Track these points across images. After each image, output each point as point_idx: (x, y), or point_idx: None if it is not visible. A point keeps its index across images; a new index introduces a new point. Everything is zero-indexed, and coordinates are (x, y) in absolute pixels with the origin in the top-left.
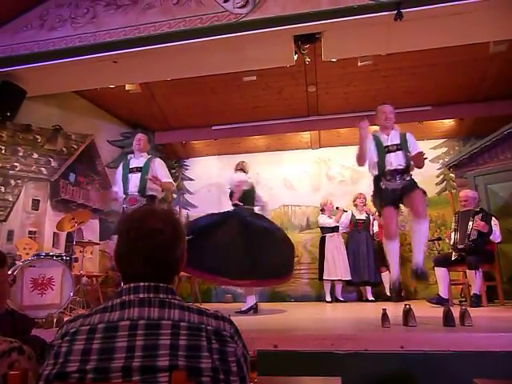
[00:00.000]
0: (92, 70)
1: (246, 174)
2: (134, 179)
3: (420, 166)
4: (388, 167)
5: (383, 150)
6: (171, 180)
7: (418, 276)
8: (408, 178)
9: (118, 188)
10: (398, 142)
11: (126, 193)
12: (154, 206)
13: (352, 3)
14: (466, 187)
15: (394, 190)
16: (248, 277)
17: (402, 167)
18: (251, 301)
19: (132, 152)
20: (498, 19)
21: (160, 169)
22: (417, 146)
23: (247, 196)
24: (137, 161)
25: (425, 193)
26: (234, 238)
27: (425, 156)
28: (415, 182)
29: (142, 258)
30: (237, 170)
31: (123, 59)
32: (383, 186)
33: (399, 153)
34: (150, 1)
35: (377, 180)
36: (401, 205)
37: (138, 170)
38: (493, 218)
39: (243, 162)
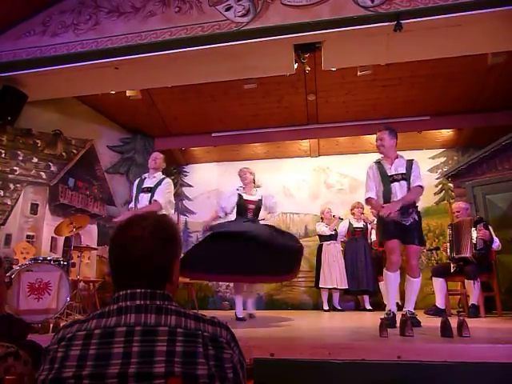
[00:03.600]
0: (93, 76)
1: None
2: (145, 199)
3: (415, 197)
4: (393, 198)
5: (387, 180)
6: (161, 201)
7: (408, 320)
8: (416, 217)
9: (131, 205)
10: (403, 171)
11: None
12: (147, 213)
13: (352, 14)
14: (464, 197)
15: (399, 225)
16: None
17: None
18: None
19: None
20: (497, 31)
21: (161, 188)
22: (418, 178)
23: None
24: (150, 181)
25: (423, 243)
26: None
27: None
28: (420, 225)
29: (125, 266)
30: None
31: (124, 66)
32: (388, 217)
33: (404, 183)
34: (151, 8)
35: None
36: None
37: (149, 190)
38: (489, 226)
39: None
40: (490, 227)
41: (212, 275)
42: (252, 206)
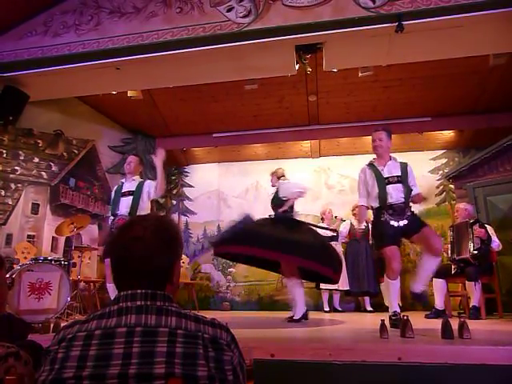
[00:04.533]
0: (94, 77)
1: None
2: (126, 202)
3: (418, 203)
4: (389, 199)
5: (383, 182)
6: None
7: (416, 296)
8: (409, 213)
9: (110, 213)
10: (398, 173)
11: (114, 214)
12: (148, 214)
13: (353, 15)
14: (465, 198)
15: (395, 228)
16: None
17: (402, 200)
18: (301, 309)
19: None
20: (498, 32)
21: (152, 188)
22: (415, 182)
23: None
24: (128, 185)
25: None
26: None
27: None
28: (417, 216)
29: (125, 268)
30: (279, 177)
31: (126, 66)
32: (384, 220)
33: (399, 185)
34: (153, 9)
35: (377, 212)
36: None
37: (130, 193)
38: (489, 226)
39: (281, 168)
40: (488, 227)
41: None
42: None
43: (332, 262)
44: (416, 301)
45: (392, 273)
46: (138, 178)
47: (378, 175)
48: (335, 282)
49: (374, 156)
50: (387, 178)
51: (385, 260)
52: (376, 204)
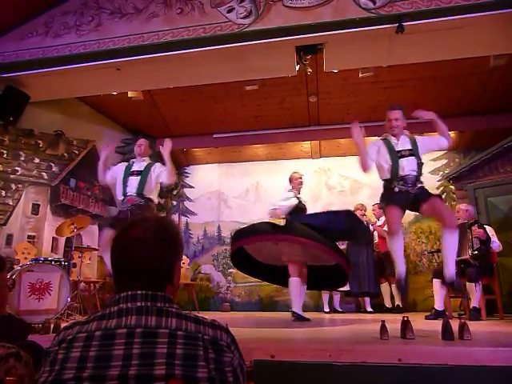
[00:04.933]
0: (95, 77)
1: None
2: (134, 182)
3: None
4: (401, 172)
5: (396, 155)
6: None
7: (455, 288)
8: (419, 185)
9: (117, 191)
10: (409, 147)
11: (124, 194)
12: (148, 215)
13: (354, 16)
14: (465, 199)
15: (406, 193)
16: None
17: (414, 173)
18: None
19: (133, 159)
20: (498, 34)
21: (161, 171)
22: (426, 138)
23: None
24: (138, 164)
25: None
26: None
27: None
28: (427, 190)
29: (125, 269)
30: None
31: (126, 67)
32: (395, 189)
33: (411, 158)
34: (154, 10)
35: (388, 183)
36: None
37: (139, 173)
38: (488, 227)
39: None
40: (488, 228)
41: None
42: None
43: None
44: (456, 291)
45: (391, 229)
46: (147, 160)
47: (390, 148)
48: (346, 278)
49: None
50: (400, 151)
51: (384, 261)
52: (387, 176)
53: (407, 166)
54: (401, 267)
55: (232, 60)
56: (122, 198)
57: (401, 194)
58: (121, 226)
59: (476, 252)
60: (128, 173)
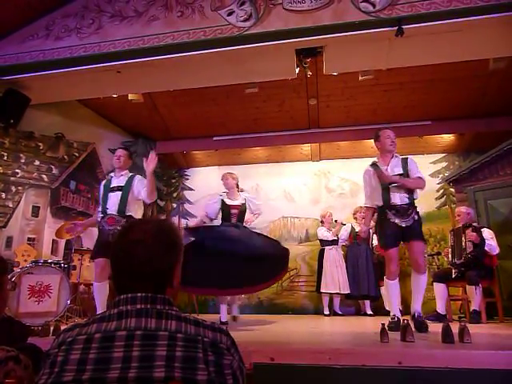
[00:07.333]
0: (95, 80)
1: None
2: (114, 198)
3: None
4: (392, 200)
5: (386, 183)
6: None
7: (417, 323)
8: (416, 217)
9: (100, 208)
10: (400, 171)
11: (104, 212)
12: (146, 217)
13: (354, 19)
14: (465, 202)
15: (398, 228)
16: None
17: (406, 201)
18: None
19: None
20: (498, 37)
21: (137, 184)
22: (417, 170)
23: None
24: (117, 180)
25: (425, 242)
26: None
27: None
28: (420, 224)
29: (125, 271)
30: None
31: (127, 69)
32: (389, 218)
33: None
34: (154, 13)
35: (381, 211)
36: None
37: (119, 189)
38: (487, 229)
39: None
40: (487, 230)
41: (202, 289)
42: (235, 211)
43: (267, 271)
44: (418, 329)
45: (390, 274)
46: (127, 173)
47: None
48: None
49: (375, 158)
50: None
51: (384, 264)
52: (380, 203)
53: (398, 192)
54: (397, 312)
55: (232, 63)
56: (102, 215)
57: (394, 225)
58: (120, 229)
59: (470, 256)
60: (107, 189)
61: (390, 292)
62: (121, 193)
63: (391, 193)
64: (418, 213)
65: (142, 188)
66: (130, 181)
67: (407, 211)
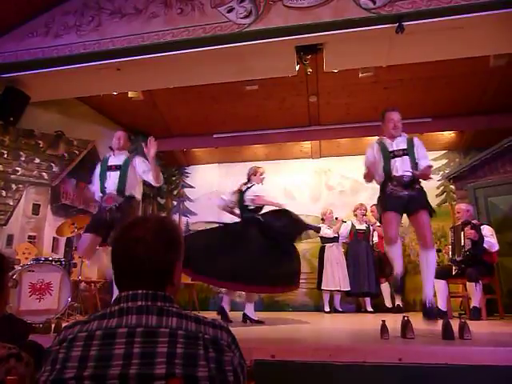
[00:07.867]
0: (95, 77)
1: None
2: (113, 177)
3: (425, 179)
4: (394, 173)
5: (388, 155)
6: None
7: (427, 312)
8: (417, 186)
9: (95, 187)
10: (404, 146)
11: (103, 191)
12: (148, 215)
13: (354, 16)
14: (466, 199)
15: (400, 198)
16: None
17: (409, 173)
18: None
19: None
20: (499, 33)
21: (146, 169)
22: (424, 153)
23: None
24: (116, 159)
25: (431, 212)
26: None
27: (432, 168)
28: (424, 194)
29: (126, 268)
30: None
31: (126, 67)
32: (389, 192)
33: (405, 158)
34: (154, 10)
35: (383, 186)
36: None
37: (117, 167)
38: (487, 226)
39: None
40: (486, 227)
41: (214, 280)
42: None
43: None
44: (428, 318)
45: (388, 238)
46: (125, 153)
47: (383, 149)
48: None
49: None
50: (392, 151)
51: (384, 261)
52: (381, 178)
53: (401, 165)
54: (399, 268)
55: (232, 60)
56: (101, 195)
57: (394, 197)
58: (122, 226)
59: (467, 253)
60: (105, 167)
61: (394, 256)
62: (119, 171)
63: (392, 166)
64: (422, 188)
65: (146, 169)
66: (129, 160)
67: (409, 183)
